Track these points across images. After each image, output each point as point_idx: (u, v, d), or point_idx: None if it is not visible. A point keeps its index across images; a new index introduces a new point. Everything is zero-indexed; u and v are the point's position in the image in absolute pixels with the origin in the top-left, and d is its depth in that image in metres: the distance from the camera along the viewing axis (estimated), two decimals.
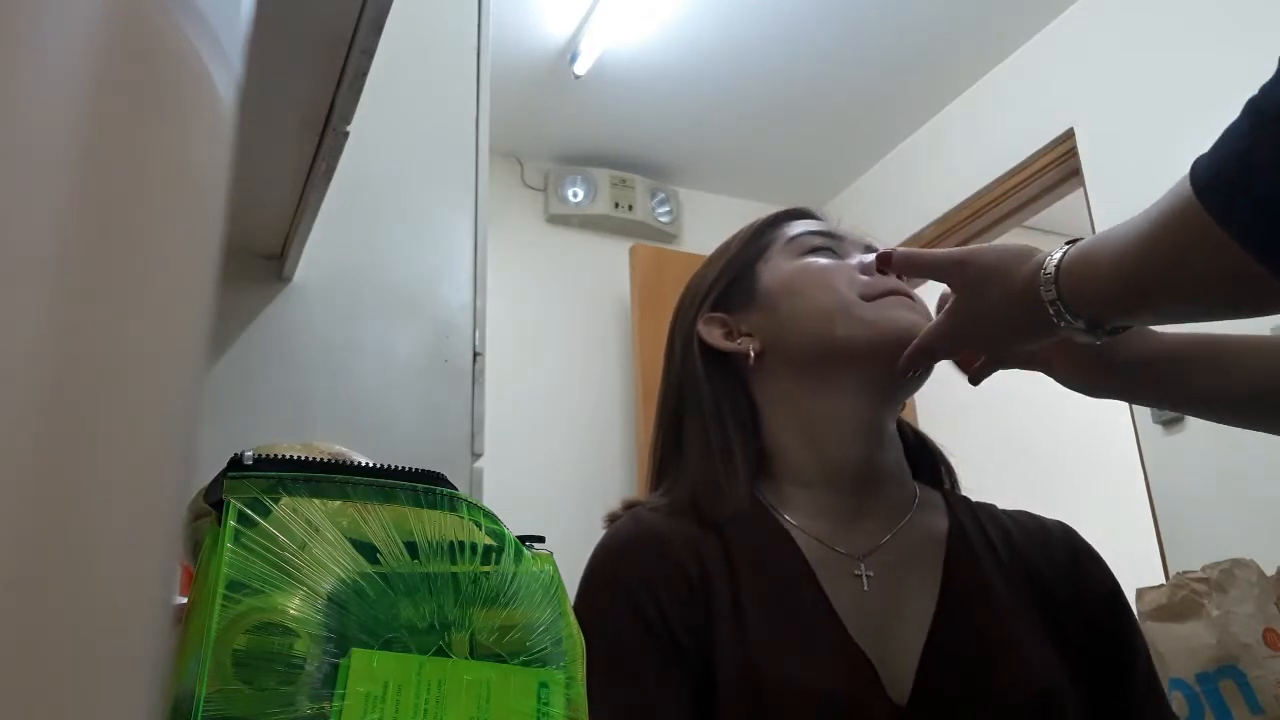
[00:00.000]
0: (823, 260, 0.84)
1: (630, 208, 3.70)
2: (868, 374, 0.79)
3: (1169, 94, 2.57)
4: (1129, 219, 0.59)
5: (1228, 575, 1.07)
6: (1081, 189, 2.88)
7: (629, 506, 0.84)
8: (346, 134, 0.93)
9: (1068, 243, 0.64)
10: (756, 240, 0.89)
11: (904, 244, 3.32)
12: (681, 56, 3.17)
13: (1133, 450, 2.66)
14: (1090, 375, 0.75)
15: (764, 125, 3.51)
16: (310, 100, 0.90)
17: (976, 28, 3.06)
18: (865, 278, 0.81)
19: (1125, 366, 0.73)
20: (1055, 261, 0.63)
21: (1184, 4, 2.63)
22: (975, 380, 0.79)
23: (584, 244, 3.72)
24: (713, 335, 0.85)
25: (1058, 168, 2.98)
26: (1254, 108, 0.51)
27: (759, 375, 0.84)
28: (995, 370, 0.78)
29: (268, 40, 0.78)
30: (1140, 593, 1.10)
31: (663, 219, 3.80)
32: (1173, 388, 0.75)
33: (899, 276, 0.81)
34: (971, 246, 0.71)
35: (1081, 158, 2.86)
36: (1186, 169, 0.54)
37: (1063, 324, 0.63)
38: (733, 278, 0.87)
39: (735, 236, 0.91)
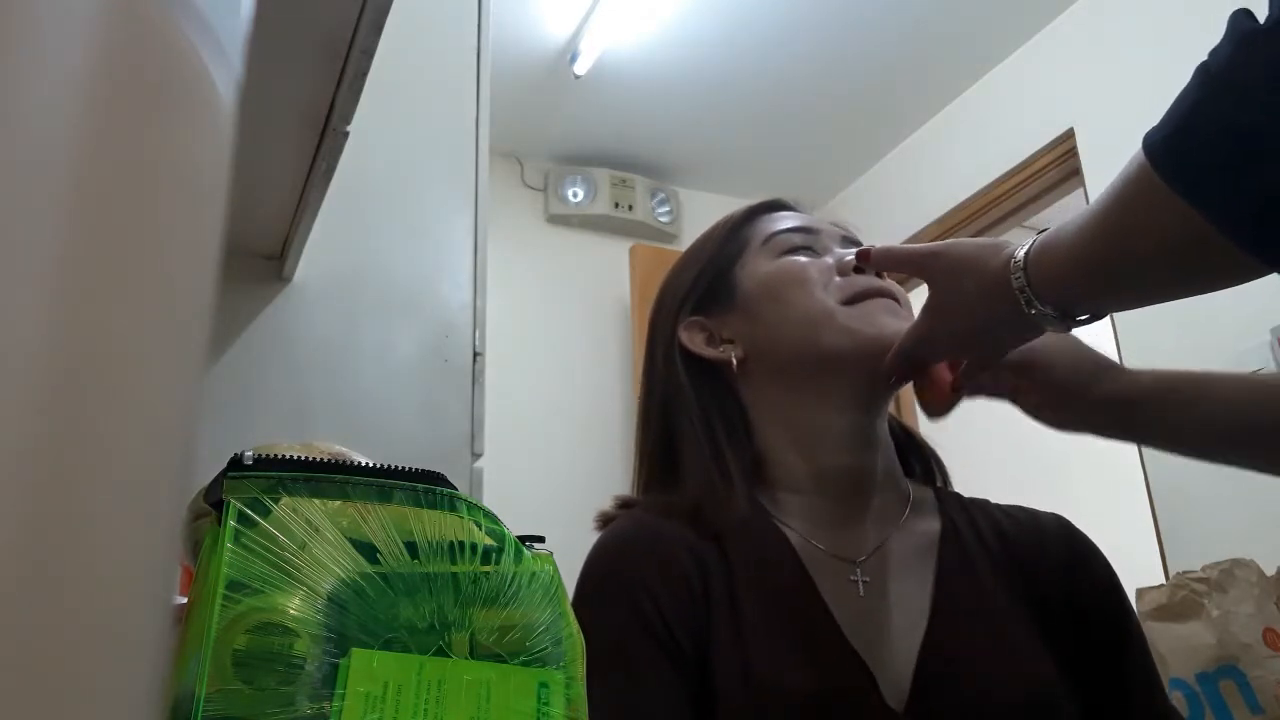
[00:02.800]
0: (801, 260, 0.82)
1: (630, 208, 3.70)
2: (853, 382, 0.78)
3: (1169, 94, 2.56)
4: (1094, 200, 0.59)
5: (1228, 575, 1.07)
6: (1081, 189, 2.88)
7: (624, 505, 0.83)
8: (346, 134, 0.93)
9: (1039, 232, 0.64)
10: (732, 239, 0.87)
11: (905, 243, 3.31)
12: (681, 57, 3.17)
13: (1133, 450, 2.66)
14: (1061, 409, 0.75)
15: (764, 125, 3.51)
16: (310, 100, 0.90)
17: (976, 28, 3.06)
18: (842, 279, 0.80)
19: (1102, 403, 0.73)
20: (1025, 250, 0.63)
21: (1185, 4, 2.63)
22: (948, 405, 0.78)
23: (584, 244, 3.72)
24: (695, 341, 0.84)
25: (1058, 168, 2.98)
26: (1202, 69, 0.51)
27: (744, 381, 0.83)
28: (961, 399, 0.77)
29: (268, 40, 0.78)
30: (1140, 593, 1.10)
31: (663, 219, 3.81)
32: (1143, 424, 0.75)
33: (878, 274, 0.81)
34: (947, 240, 0.71)
35: (1081, 158, 2.86)
36: None
37: (1033, 311, 0.63)
38: (711, 280, 0.86)
39: (709, 236, 0.89)
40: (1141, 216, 0.54)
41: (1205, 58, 0.51)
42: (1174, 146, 0.52)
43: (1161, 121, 0.53)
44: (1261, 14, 0.49)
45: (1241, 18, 0.50)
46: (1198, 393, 0.73)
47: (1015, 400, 0.77)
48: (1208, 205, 0.50)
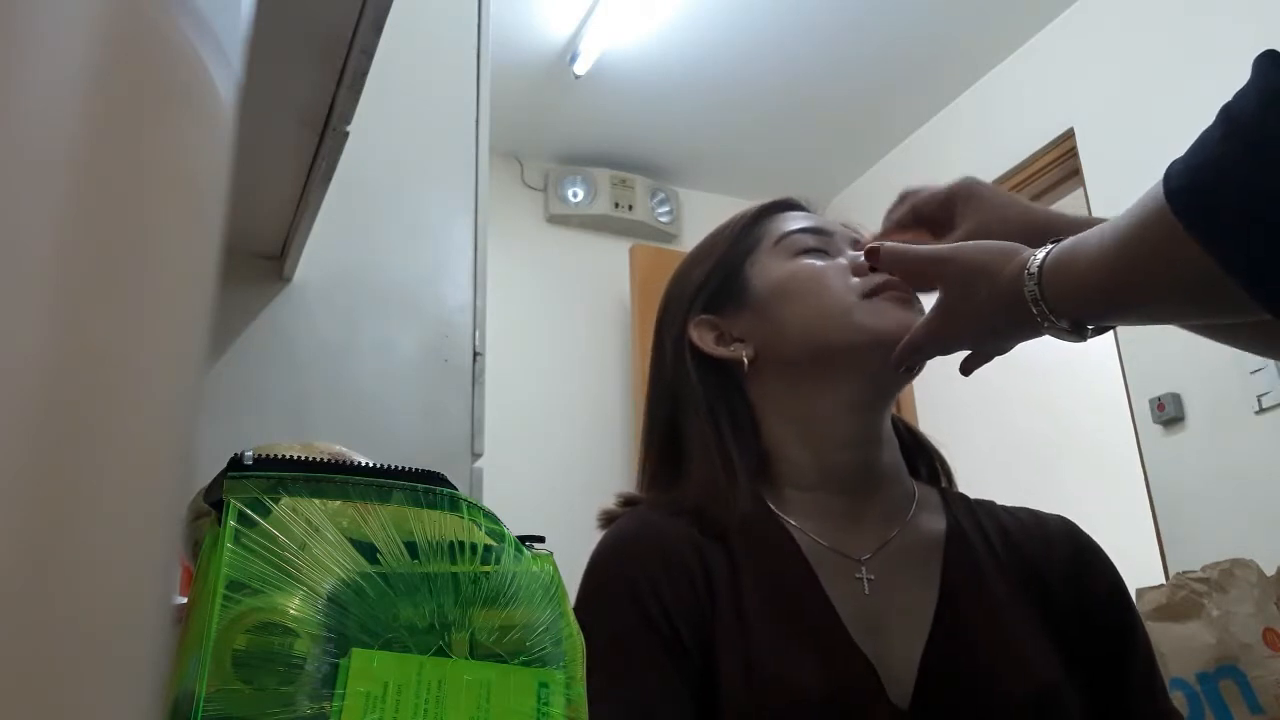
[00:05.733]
0: (816, 262, 0.82)
1: (630, 208, 3.71)
2: (863, 378, 0.79)
3: (1169, 94, 2.57)
4: (1111, 219, 0.59)
5: (1228, 575, 1.07)
6: (1081, 189, 2.88)
7: (628, 503, 0.84)
8: (346, 134, 0.93)
9: (1052, 241, 0.64)
10: (744, 238, 0.87)
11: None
12: (681, 57, 3.17)
13: (1133, 450, 2.66)
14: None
15: (764, 125, 3.51)
16: (310, 100, 0.90)
17: (977, 28, 3.06)
18: (857, 279, 0.80)
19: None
20: (1038, 262, 0.63)
21: (1185, 4, 2.63)
22: (967, 370, 0.78)
23: (584, 244, 3.72)
24: (705, 340, 0.84)
25: (1058, 168, 2.99)
26: (1226, 115, 0.51)
27: (753, 379, 0.83)
28: (987, 361, 0.77)
29: (268, 40, 0.78)
30: (1140, 593, 1.10)
31: (663, 219, 3.81)
32: None
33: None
34: (957, 244, 0.71)
35: (1081, 158, 2.86)
36: None
37: (1046, 324, 0.64)
38: (722, 278, 0.85)
39: (720, 233, 0.89)
40: (1161, 256, 0.55)
41: (1230, 100, 0.51)
42: (1197, 200, 0.52)
43: (1184, 164, 0.53)
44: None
45: (1269, 64, 0.50)
46: None
47: None
48: (1230, 262, 0.51)
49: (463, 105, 1.44)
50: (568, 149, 3.67)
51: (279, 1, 0.76)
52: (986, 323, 0.69)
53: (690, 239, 3.97)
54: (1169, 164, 0.54)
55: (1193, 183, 0.52)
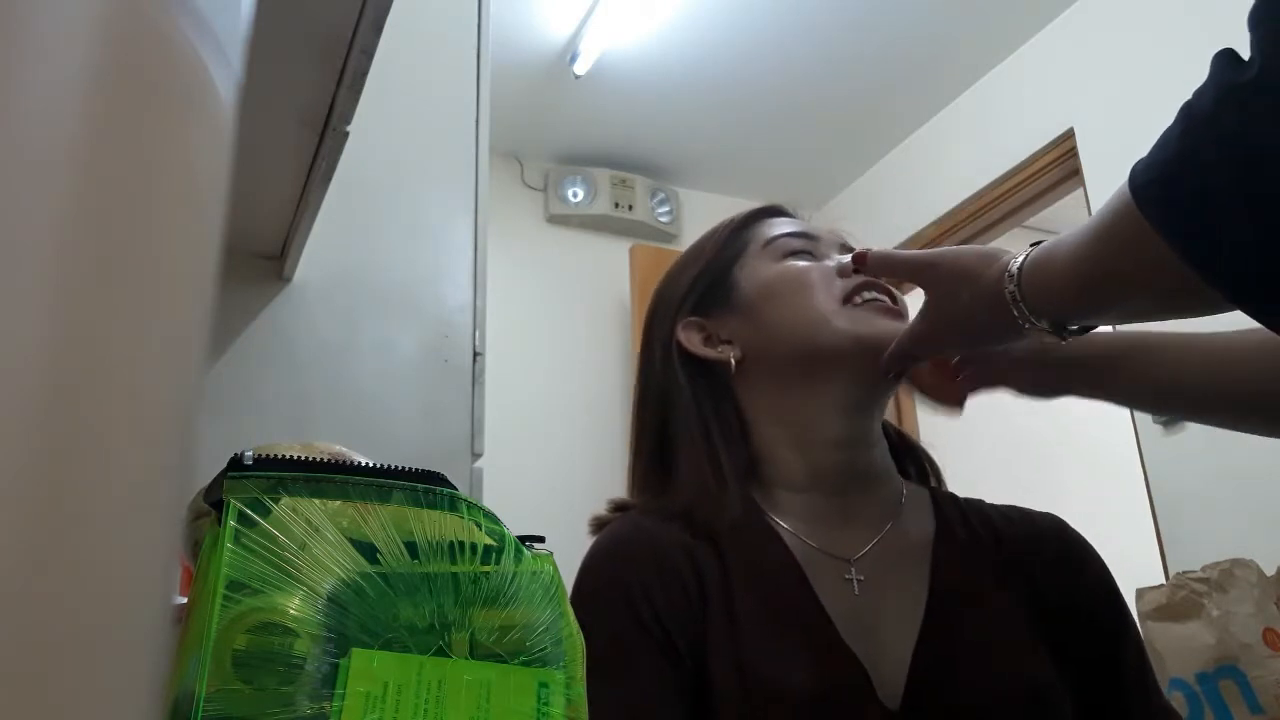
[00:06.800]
0: (802, 264, 0.83)
1: (630, 208, 3.70)
2: (850, 380, 0.79)
3: (1169, 94, 2.57)
4: (1086, 219, 0.60)
5: (1228, 575, 1.07)
6: (1081, 189, 2.88)
7: (618, 508, 0.84)
8: (346, 134, 0.93)
9: (1032, 244, 0.65)
10: (733, 242, 0.88)
11: (903, 245, 3.32)
12: (681, 57, 3.17)
13: (1133, 450, 2.66)
14: (1040, 379, 0.79)
15: (764, 125, 3.51)
16: (310, 100, 0.90)
17: (976, 28, 3.06)
18: (843, 280, 0.81)
19: (1063, 365, 0.77)
20: (1018, 264, 0.64)
21: (1184, 4, 2.63)
22: (958, 395, 0.80)
23: (584, 244, 3.72)
24: (692, 342, 0.84)
25: (1058, 168, 2.98)
26: (1186, 112, 0.52)
27: (741, 381, 0.83)
28: (972, 393, 0.79)
29: (268, 40, 0.78)
30: (1140, 593, 1.10)
31: (663, 219, 3.81)
32: (1106, 383, 0.78)
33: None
34: (941, 249, 0.73)
35: (1081, 158, 2.86)
36: None
37: (1028, 325, 0.64)
38: (710, 281, 0.86)
39: (709, 237, 0.90)
40: (1129, 254, 0.56)
41: (1190, 97, 0.52)
42: (1159, 192, 0.53)
43: (1147, 162, 0.54)
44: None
45: (1224, 62, 0.51)
46: (1148, 359, 0.76)
47: (1006, 383, 0.80)
48: (1191, 254, 0.52)
49: (463, 105, 1.44)
50: (568, 149, 3.67)
51: (279, 1, 0.76)
52: (970, 326, 0.70)
53: (690, 239, 3.95)
54: (1134, 162, 0.54)
55: (1155, 179, 0.53)
